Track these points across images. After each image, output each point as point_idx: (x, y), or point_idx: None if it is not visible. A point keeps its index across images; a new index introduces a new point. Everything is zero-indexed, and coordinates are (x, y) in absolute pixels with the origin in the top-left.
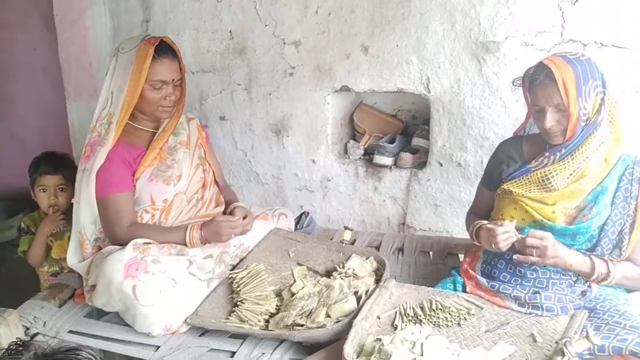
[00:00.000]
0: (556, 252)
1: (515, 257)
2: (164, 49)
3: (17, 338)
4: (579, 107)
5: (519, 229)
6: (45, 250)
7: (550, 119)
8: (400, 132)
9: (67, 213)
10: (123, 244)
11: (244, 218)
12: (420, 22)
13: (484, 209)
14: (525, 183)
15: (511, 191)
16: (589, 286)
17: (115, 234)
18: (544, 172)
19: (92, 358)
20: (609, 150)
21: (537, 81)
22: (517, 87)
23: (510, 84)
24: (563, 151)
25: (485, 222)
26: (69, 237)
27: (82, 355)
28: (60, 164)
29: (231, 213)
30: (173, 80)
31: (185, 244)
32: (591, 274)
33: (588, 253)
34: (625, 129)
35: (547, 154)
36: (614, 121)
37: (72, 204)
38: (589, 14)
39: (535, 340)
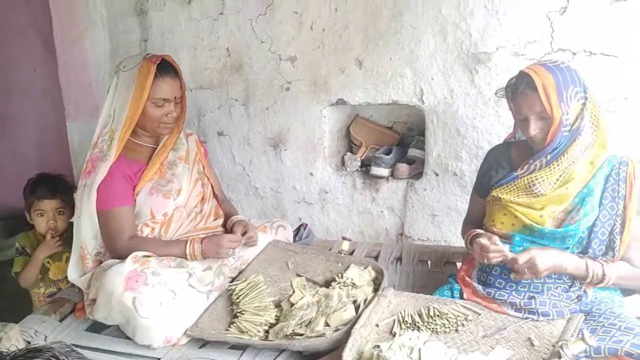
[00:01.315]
0: (547, 262)
1: (512, 276)
2: (166, 67)
3: None
4: (562, 111)
5: (509, 237)
6: (38, 273)
7: (534, 127)
8: (396, 143)
9: (64, 236)
10: (123, 257)
11: (243, 234)
12: (412, 36)
13: (478, 217)
14: (513, 189)
15: (500, 198)
16: (585, 291)
17: (115, 247)
18: (531, 178)
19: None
20: (595, 154)
21: (518, 91)
22: (501, 98)
23: (494, 95)
24: (548, 157)
25: (479, 231)
26: (67, 259)
27: (43, 357)
28: (58, 187)
29: (232, 228)
30: (175, 98)
31: (185, 257)
32: (586, 276)
33: (582, 256)
34: (615, 133)
35: (531, 160)
36: (599, 126)
37: (70, 225)
38: (577, 23)
39: (532, 344)
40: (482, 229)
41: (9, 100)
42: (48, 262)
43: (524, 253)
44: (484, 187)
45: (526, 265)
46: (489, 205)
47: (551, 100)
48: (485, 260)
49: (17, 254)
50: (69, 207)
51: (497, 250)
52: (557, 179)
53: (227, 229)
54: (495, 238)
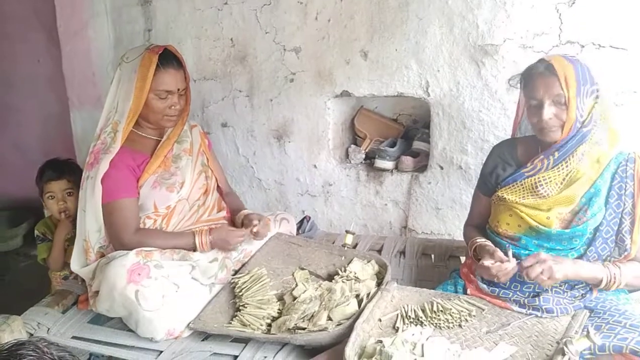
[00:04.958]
0: (560, 265)
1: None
2: (169, 58)
3: None
4: (577, 105)
5: (516, 238)
6: (64, 254)
7: (548, 112)
8: (401, 136)
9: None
10: (130, 249)
11: (259, 221)
12: (418, 27)
13: (482, 218)
14: (519, 190)
15: (505, 198)
16: (590, 288)
17: (122, 239)
18: (536, 179)
19: (35, 354)
20: (601, 152)
21: (536, 73)
22: (513, 87)
23: (507, 82)
24: (557, 155)
25: (480, 240)
26: None
27: (27, 349)
28: (64, 168)
29: (242, 222)
30: (178, 89)
31: (193, 249)
32: (600, 282)
33: (596, 262)
34: (623, 128)
35: (542, 157)
36: (609, 125)
37: None
38: (586, 15)
39: (536, 341)
40: (485, 230)
41: (12, 91)
42: (67, 245)
43: (535, 264)
44: (488, 185)
45: (539, 269)
46: (494, 206)
47: (570, 90)
48: (496, 280)
49: (39, 241)
50: (78, 188)
51: (503, 269)
52: (563, 180)
53: (237, 224)
54: (499, 252)
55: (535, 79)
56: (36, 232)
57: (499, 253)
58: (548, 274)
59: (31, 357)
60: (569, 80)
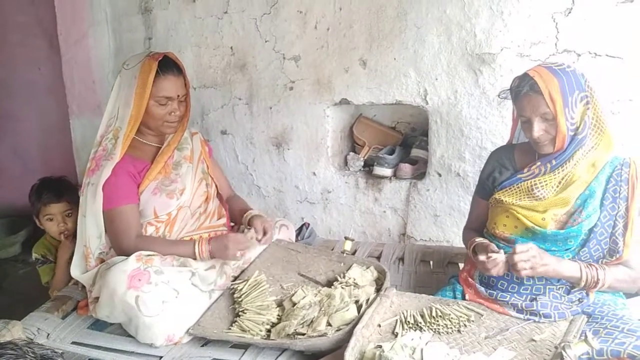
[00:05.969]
0: (544, 260)
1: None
2: (169, 64)
3: None
4: (566, 117)
5: (511, 240)
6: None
7: (538, 129)
8: (400, 143)
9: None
10: (130, 255)
11: (264, 231)
12: (417, 36)
13: (479, 221)
14: (516, 192)
15: (502, 200)
16: (587, 293)
17: (123, 245)
18: (533, 182)
19: (14, 352)
20: (597, 156)
21: (521, 92)
22: (504, 100)
23: (497, 97)
24: (554, 162)
25: (479, 239)
26: None
27: (3, 351)
28: (62, 189)
29: (249, 222)
30: (178, 96)
31: (194, 257)
32: (580, 281)
33: (577, 260)
34: (619, 135)
35: (539, 164)
36: (603, 129)
37: None
38: (582, 24)
39: (534, 346)
40: (483, 234)
41: (13, 98)
42: (68, 263)
43: (521, 244)
44: (486, 188)
45: (525, 256)
46: (491, 208)
47: (557, 106)
48: (491, 273)
49: (40, 264)
50: (76, 207)
51: (495, 262)
52: (559, 183)
53: (244, 223)
54: (492, 246)
55: (521, 99)
56: (35, 255)
57: (492, 247)
58: (531, 264)
59: (9, 354)
60: (554, 96)
